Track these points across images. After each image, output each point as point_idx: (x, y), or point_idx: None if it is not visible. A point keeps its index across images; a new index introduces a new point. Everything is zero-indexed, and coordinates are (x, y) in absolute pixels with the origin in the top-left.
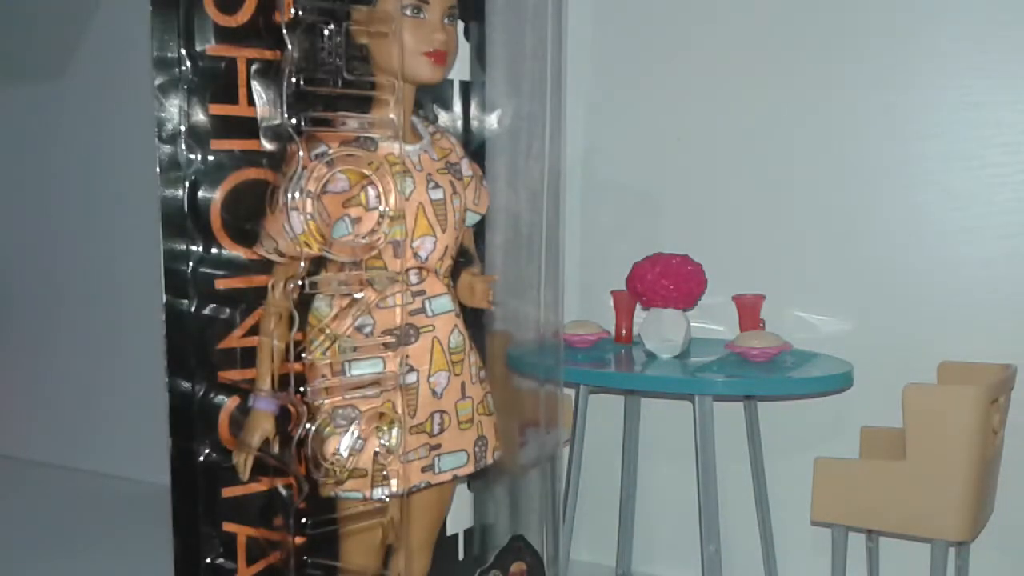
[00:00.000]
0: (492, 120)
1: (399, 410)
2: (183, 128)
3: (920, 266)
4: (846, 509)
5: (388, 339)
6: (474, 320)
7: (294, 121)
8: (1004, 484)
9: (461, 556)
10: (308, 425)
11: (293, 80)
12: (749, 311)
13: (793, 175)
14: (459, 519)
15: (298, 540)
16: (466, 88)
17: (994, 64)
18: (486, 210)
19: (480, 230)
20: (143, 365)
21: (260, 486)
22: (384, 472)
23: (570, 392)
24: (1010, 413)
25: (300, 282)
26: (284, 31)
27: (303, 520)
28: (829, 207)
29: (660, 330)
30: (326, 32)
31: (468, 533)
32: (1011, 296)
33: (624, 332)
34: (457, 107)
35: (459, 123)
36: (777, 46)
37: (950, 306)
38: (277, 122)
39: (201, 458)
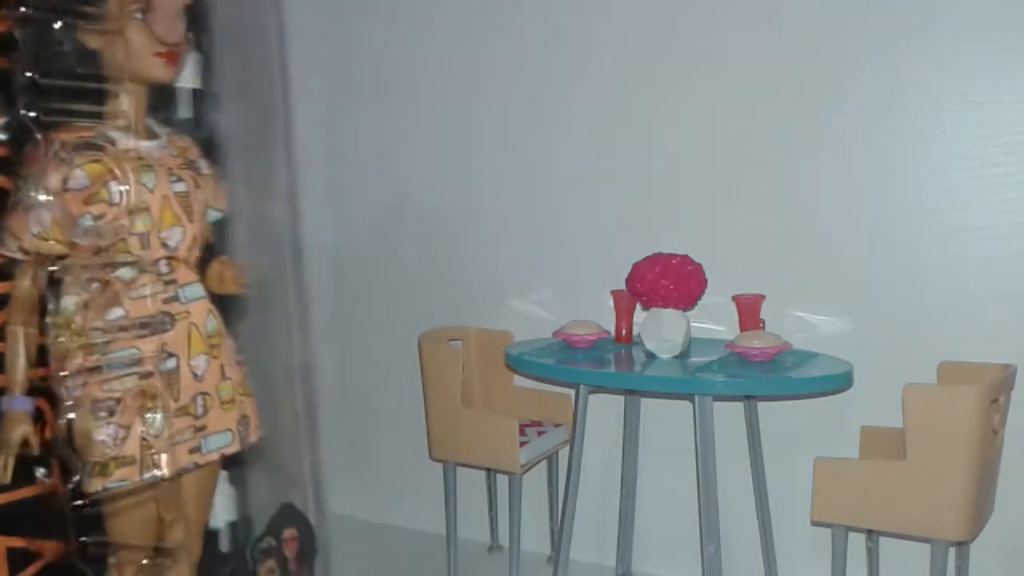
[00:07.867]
0: (224, 125)
1: (161, 394)
2: None
3: (920, 266)
4: (846, 509)
5: (141, 330)
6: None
7: (29, 118)
8: (1004, 484)
9: (226, 548)
10: (69, 418)
11: (26, 77)
12: (749, 311)
13: (793, 175)
14: (221, 512)
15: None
16: (197, 95)
17: (994, 64)
18: (225, 207)
19: (219, 230)
20: None
21: (16, 495)
22: (152, 457)
23: (570, 392)
24: (1010, 413)
25: (47, 277)
26: (13, 30)
27: (80, 502)
28: (829, 207)
29: (660, 330)
30: (56, 29)
31: (233, 526)
32: (1011, 296)
33: (624, 332)
34: (189, 112)
35: (191, 128)
36: (779, 46)
37: (950, 306)
38: (8, 120)
39: None
